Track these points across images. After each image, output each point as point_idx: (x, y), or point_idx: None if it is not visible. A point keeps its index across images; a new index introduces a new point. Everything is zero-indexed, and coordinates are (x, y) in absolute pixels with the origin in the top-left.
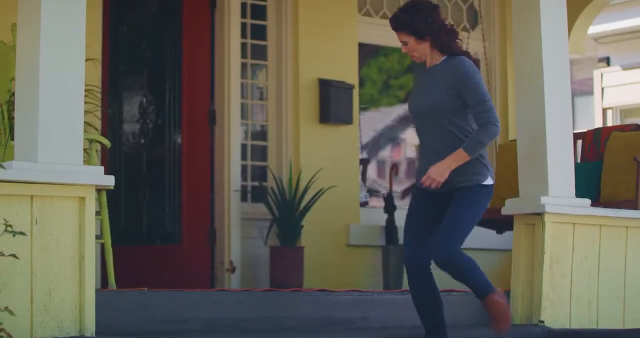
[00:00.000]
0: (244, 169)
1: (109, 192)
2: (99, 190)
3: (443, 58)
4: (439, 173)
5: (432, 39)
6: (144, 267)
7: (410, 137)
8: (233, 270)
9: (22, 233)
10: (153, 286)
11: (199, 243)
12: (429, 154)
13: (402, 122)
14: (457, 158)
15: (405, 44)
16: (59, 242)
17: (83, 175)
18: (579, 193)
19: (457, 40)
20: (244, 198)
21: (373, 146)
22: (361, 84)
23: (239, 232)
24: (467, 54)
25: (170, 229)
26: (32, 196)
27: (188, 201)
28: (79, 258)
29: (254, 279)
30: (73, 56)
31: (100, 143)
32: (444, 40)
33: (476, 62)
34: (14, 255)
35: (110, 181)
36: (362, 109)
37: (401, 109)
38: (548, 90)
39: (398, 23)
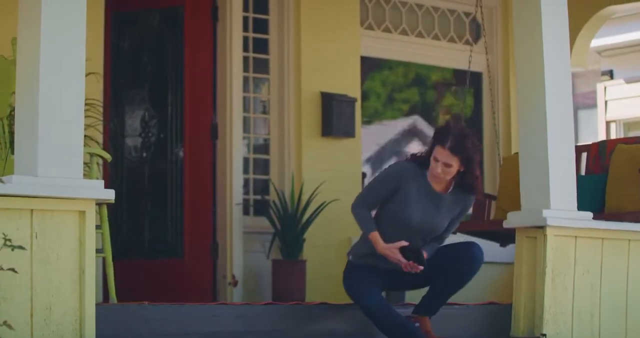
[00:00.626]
0: (246, 182)
1: (111, 206)
2: (99, 204)
3: (452, 186)
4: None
5: (464, 173)
6: (146, 281)
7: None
8: (235, 283)
9: (21, 247)
10: (155, 300)
11: (201, 257)
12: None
13: (406, 136)
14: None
15: (448, 166)
16: (59, 256)
17: (83, 189)
18: (584, 206)
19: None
20: (246, 211)
21: (376, 159)
22: (365, 97)
23: (241, 246)
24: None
25: (172, 243)
26: (32, 210)
27: (190, 215)
28: (79, 272)
29: (257, 293)
30: (73, 70)
31: (101, 157)
32: (471, 181)
33: (478, 75)
34: (12, 270)
35: (110, 195)
36: (365, 122)
37: (405, 123)
38: (550, 103)
39: (464, 151)
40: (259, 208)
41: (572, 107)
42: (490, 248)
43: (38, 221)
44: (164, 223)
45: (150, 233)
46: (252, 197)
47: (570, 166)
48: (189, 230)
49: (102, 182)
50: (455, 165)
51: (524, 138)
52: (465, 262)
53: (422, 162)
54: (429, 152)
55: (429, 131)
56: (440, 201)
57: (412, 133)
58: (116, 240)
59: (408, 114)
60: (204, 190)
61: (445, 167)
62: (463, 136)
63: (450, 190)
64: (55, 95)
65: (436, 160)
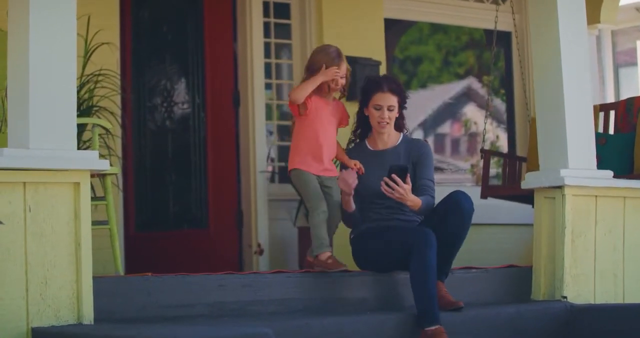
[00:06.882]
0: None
1: (135, 178)
2: (102, 176)
3: (400, 138)
4: (405, 197)
5: (399, 116)
6: (171, 252)
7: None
8: (261, 252)
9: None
10: (181, 271)
11: (226, 227)
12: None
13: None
14: (414, 204)
15: (391, 109)
16: (54, 229)
17: (76, 161)
18: (612, 166)
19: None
20: (271, 179)
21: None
22: (420, 61)
23: (267, 214)
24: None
25: (197, 213)
26: (24, 183)
27: (214, 184)
28: (75, 245)
29: (283, 261)
30: (64, 41)
31: (103, 127)
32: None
33: (505, 35)
34: None
35: (104, 166)
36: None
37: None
38: (565, 61)
39: (397, 88)
40: (284, 175)
41: (588, 64)
42: (522, 211)
43: (31, 194)
44: (188, 194)
45: (174, 204)
46: (277, 164)
47: (588, 124)
48: (214, 199)
49: (97, 152)
50: (396, 105)
51: (541, 97)
52: (452, 212)
53: (361, 135)
54: (362, 115)
55: (482, 92)
56: (388, 157)
57: (466, 96)
58: (141, 212)
59: (461, 77)
60: (228, 159)
61: (389, 111)
62: (393, 79)
63: (397, 144)
64: (45, 67)
65: (378, 108)
